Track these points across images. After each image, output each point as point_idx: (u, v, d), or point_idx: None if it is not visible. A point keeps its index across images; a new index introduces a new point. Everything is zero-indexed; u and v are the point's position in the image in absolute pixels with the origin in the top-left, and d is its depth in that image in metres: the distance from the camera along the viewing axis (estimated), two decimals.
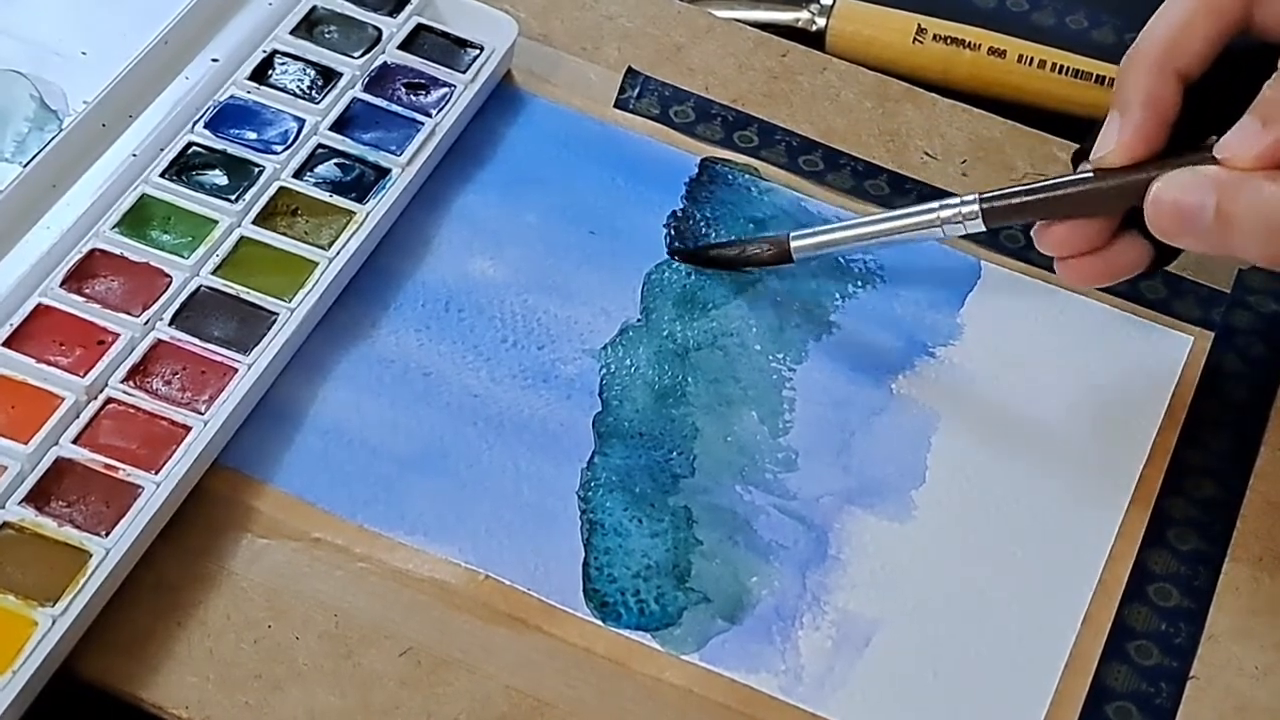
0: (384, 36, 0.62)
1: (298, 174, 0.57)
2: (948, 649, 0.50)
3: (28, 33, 0.61)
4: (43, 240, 0.55)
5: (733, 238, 0.59)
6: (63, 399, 0.51)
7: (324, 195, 0.57)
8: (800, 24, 0.69)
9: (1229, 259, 0.50)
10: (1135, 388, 0.57)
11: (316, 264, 0.55)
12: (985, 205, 0.52)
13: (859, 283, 0.59)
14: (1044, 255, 0.58)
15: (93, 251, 0.54)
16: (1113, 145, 0.49)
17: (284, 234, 0.56)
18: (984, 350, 0.58)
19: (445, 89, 0.61)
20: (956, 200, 0.53)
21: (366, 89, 0.60)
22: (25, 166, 0.56)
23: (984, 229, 0.53)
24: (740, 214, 0.60)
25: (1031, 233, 0.53)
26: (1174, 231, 0.48)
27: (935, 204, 0.54)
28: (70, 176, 0.56)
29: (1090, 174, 0.50)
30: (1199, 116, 0.49)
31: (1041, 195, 0.51)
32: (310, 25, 0.62)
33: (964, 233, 0.53)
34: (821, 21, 0.68)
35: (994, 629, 0.51)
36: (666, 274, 0.58)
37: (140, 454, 0.50)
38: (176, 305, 0.53)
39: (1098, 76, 0.66)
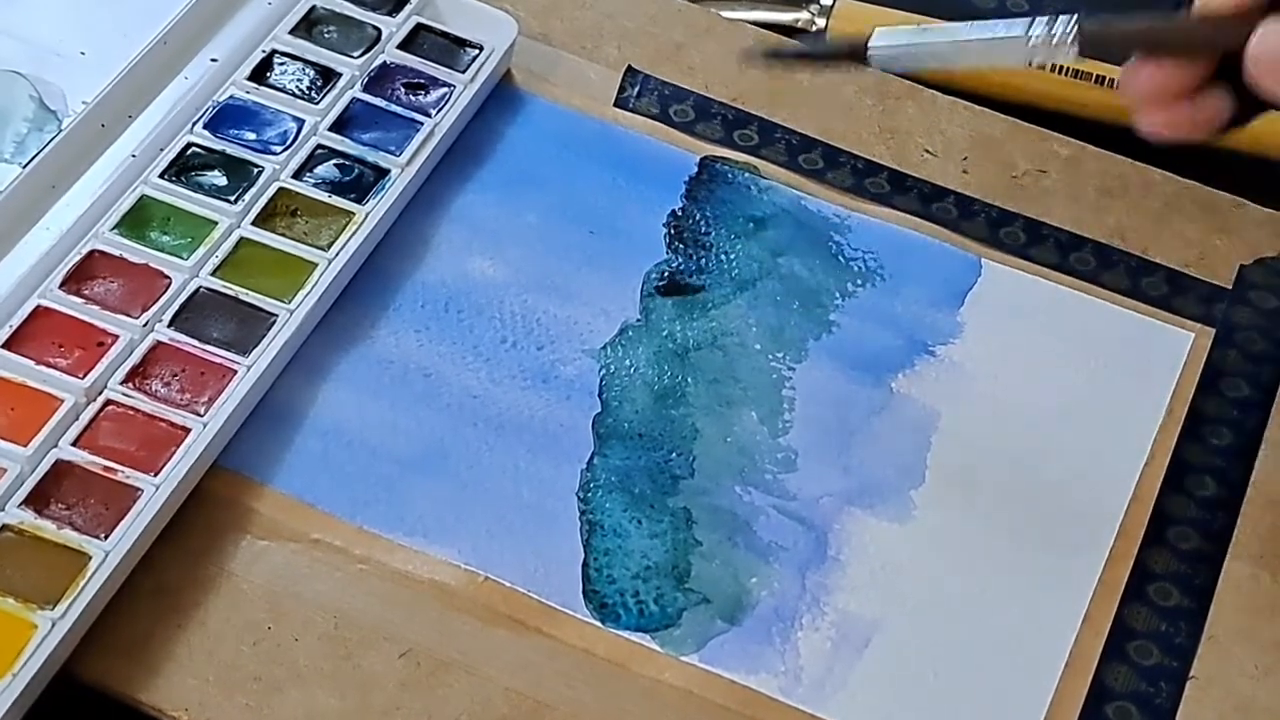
0: (383, 36, 0.62)
1: (297, 174, 0.57)
2: (948, 649, 0.50)
3: (27, 33, 0.61)
4: (42, 241, 0.55)
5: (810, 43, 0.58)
6: (62, 401, 0.51)
7: (323, 196, 0.57)
8: (800, 24, 0.68)
9: None
10: (1136, 385, 0.57)
11: (316, 265, 0.55)
12: (1086, 26, 0.48)
13: (859, 281, 0.59)
14: (1045, 254, 0.58)
15: (92, 253, 0.54)
16: None
17: (283, 235, 0.56)
18: (984, 349, 0.58)
19: (445, 89, 0.61)
20: (1052, 19, 0.48)
21: (366, 89, 0.60)
22: (24, 167, 0.56)
23: (1076, 54, 0.49)
24: (740, 212, 0.60)
25: (1120, 73, 0.49)
26: (1272, 79, 0.46)
27: (1026, 20, 0.49)
28: (69, 177, 0.56)
29: (1195, 19, 0.48)
30: None
31: (1143, 25, 0.48)
32: (309, 25, 0.62)
33: (1054, 60, 0.49)
34: (821, 21, 0.68)
35: (994, 629, 0.51)
36: (666, 274, 0.58)
37: (140, 456, 0.50)
38: (176, 307, 0.53)
39: (1098, 77, 0.66)
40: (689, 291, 0.58)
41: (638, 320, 0.57)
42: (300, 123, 0.59)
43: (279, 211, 0.56)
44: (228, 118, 0.59)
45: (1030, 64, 0.49)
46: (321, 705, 0.48)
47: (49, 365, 0.51)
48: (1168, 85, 0.49)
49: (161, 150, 0.57)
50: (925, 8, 0.68)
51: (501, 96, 0.63)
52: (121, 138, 0.58)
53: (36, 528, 0.48)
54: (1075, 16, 0.49)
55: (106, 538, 0.48)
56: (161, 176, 0.57)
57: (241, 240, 0.55)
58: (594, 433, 0.54)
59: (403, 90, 0.61)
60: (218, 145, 0.58)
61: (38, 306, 0.53)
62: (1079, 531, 0.53)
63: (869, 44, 0.51)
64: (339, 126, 0.59)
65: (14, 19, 0.61)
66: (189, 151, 0.57)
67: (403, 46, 0.62)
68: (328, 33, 0.62)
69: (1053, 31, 0.49)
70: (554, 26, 0.65)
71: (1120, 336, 0.59)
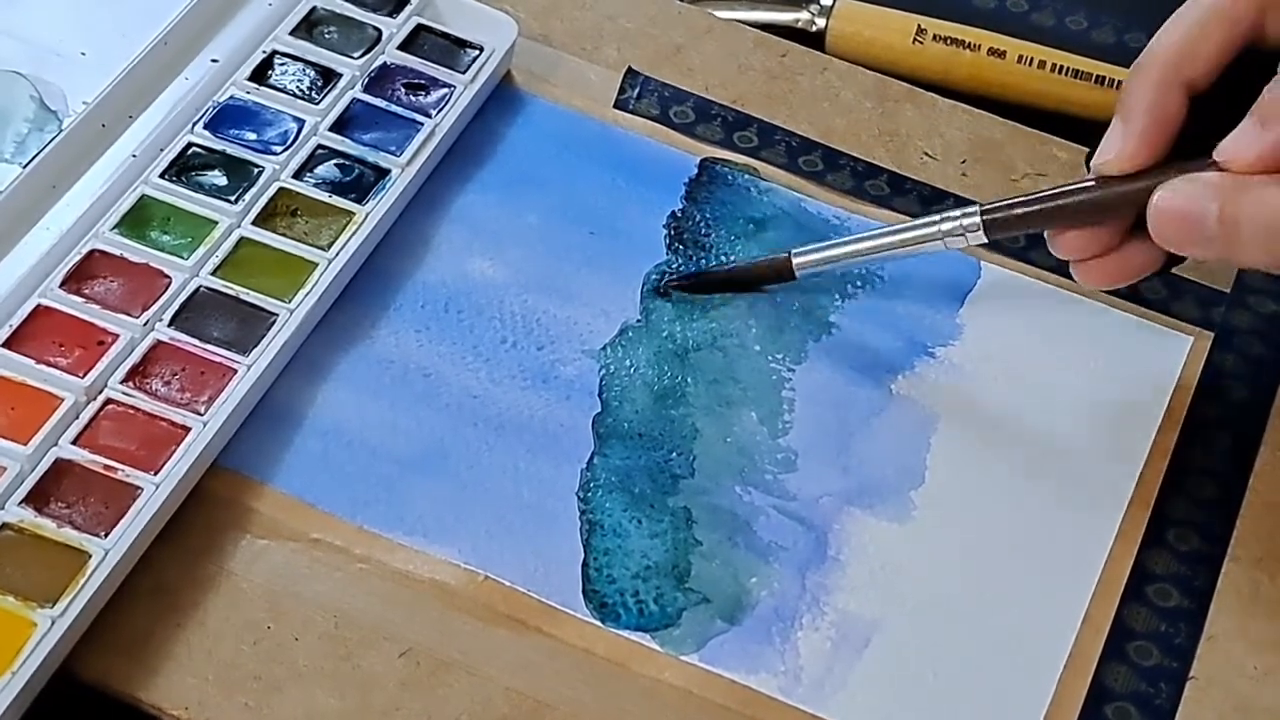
0: (384, 37, 0.62)
1: (297, 175, 0.57)
2: (947, 649, 0.50)
3: (28, 33, 0.61)
4: (42, 241, 0.55)
5: (731, 262, 0.59)
6: (62, 400, 0.51)
7: (323, 196, 0.57)
8: (800, 24, 0.69)
9: (1234, 265, 0.50)
10: (1135, 388, 0.57)
11: (316, 265, 0.55)
12: (987, 217, 0.53)
13: (858, 283, 0.59)
14: (1045, 256, 0.58)
15: (92, 252, 0.54)
16: (1113, 154, 0.49)
17: (283, 235, 0.56)
18: (984, 351, 0.58)
19: (445, 89, 0.61)
20: (958, 213, 0.53)
21: (366, 89, 0.60)
22: (25, 167, 0.56)
23: (985, 240, 0.53)
24: (740, 214, 0.60)
25: (1046, 236, 0.53)
26: (1177, 240, 0.48)
27: (936, 217, 0.54)
28: (70, 177, 0.56)
29: (1092, 182, 0.50)
30: (1205, 127, 0.49)
31: (1042, 205, 0.51)
32: (310, 26, 0.62)
33: (965, 245, 0.54)
34: (821, 22, 0.68)
35: (994, 629, 0.51)
36: (666, 275, 0.58)
37: (139, 455, 0.50)
38: (176, 306, 0.53)
39: (1097, 77, 0.66)
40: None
41: (638, 321, 0.57)
42: (300, 123, 0.59)
43: (279, 211, 0.56)
44: (228, 118, 0.59)
45: (945, 250, 0.54)
46: (321, 705, 0.48)
47: (49, 364, 0.51)
48: (1088, 247, 0.51)
49: (162, 150, 0.57)
50: (925, 8, 0.68)
51: (501, 97, 0.63)
52: (122, 138, 0.58)
53: (36, 526, 0.48)
54: (979, 207, 0.53)
55: (106, 536, 0.48)
56: (162, 176, 0.57)
57: (242, 240, 0.55)
58: (594, 433, 0.54)
59: (403, 91, 0.61)
60: (218, 145, 0.58)
61: (38, 306, 0.53)
62: (1078, 532, 0.53)
63: (793, 259, 0.56)
64: (339, 127, 0.59)
65: (14, 19, 0.61)
66: (189, 151, 0.57)
67: (403, 47, 0.62)
68: (328, 33, 0.62)
69: (960, 223, 0.53)
70: (554, 27, 0.65)
71: (1119, 340, 0.59)
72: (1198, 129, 0.49)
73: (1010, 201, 0.52)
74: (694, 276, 0.58)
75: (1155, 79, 0.49)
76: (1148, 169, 0.49)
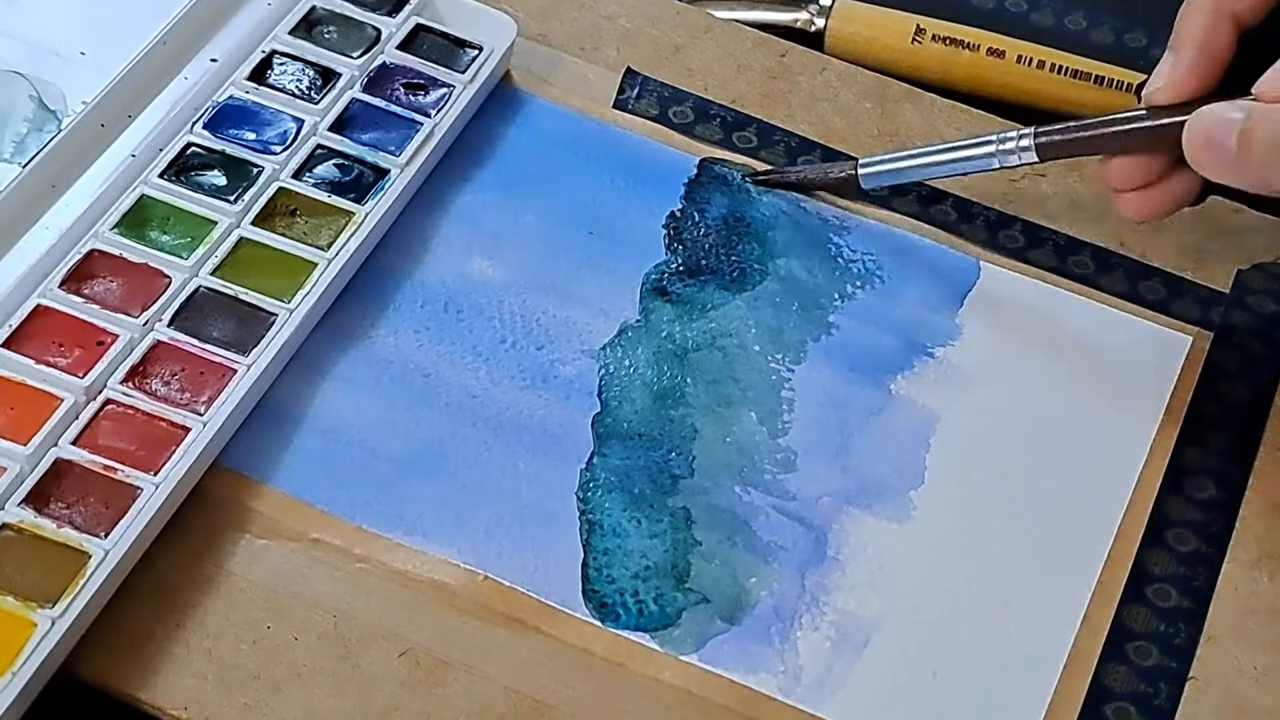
0: (383, 37, 0.62)
1: (297, 174, 0.57)
2: (947, 649, 0.50)
3: (27, 33, 0.61)
4: (42, 241, 0.55)
5: (802, 165, 0.62)
6: (62, 400, 0.50)
7: (323, 196, 0.57)
8: (799, 24, 0.69)
9: (1258, 189, 0.51)
10: (1134, 388, 0.57)
11: (315, 265, 0.55)
12: (1040, 139, 0.55)
13: (858, 283, 0.59)
14: (1045, 256, 0.58)
15: (92, 252, 0.54)
16: (1163, 82, 0.51)
17: (283, 235, 0.56)
18: (983, 351, 0.58)
19: (444, 89, 0.61)
20: (1014, 134, 0.55)
21: (365, 89, 0.60)
22: (24, 167, 0.56)
23: (1037, 160, 0.55)
24: (739, 214, 0.60)
25: (1097, 164, 0.55)
26: (1204, 160, 0.50)
27: (993, 135, 0.56)
28: (69, 177, 0.56)
29: (1143, 111, 0.52)
30: (1255, 63, 0.50)
31: (1094, 131, 0.54)
32: (309, 25, 0.62)
33: (1018, 163, 0.56)
34: (820, 22, 0.68)
35: (993, 629, 0.51)
36: (665, 275, 0.58)
37: (139, 455, 0.50)
38: (175, 306, 0.53)
39: (1097, 77, 0.66)
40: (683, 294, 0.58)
41: (637, 321, 0.57)
42: (300, 123, 0.59)
43: (279, 211, 0.56)
44: (227, 118, 0.59)
45: (998, 169, 0.57)
46: (321, 704, 0.48)
47: (49, 364, 0.51)
48: (1134, 177, 0.53)
49: (161, 150, 0.57)
50: (925, 8, 0.68)
51: (501, 97, 0.63)
52: (121, 138, 0.58)
53: (36, 526, 0.48)
54: (1034, 129, 0.55)
55: (106, 536, 0.48)
56: (161, 176, 0.57)
57: (241, 240, 0.55)
58: (593, 433, 0.54)
59: (402, 91, 0.61)
60: (217, 145, 0.58)
61: (37, 306, 0.53)
62: (1078, 532, 0.53)
63: (859, 169, 0.59)
64: (339, 127, 0.59)
65: (14, 19, 0.61)
66: (189, 151, 0.57)
67: (402, 47, 0.62)
68: (327, 33, 0.62)
69: (1016, 144, 0.55)
70: (553, 28, 0.65)
71: (1118, 340, 0.59)
72: (1248, 65, 0.50)
73: (1063, 126, 0.55)
74: (770, 177, 0.61)
75: (1206, 10, 0.51)
76: (1195, 100, 0.51)
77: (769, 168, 0.62)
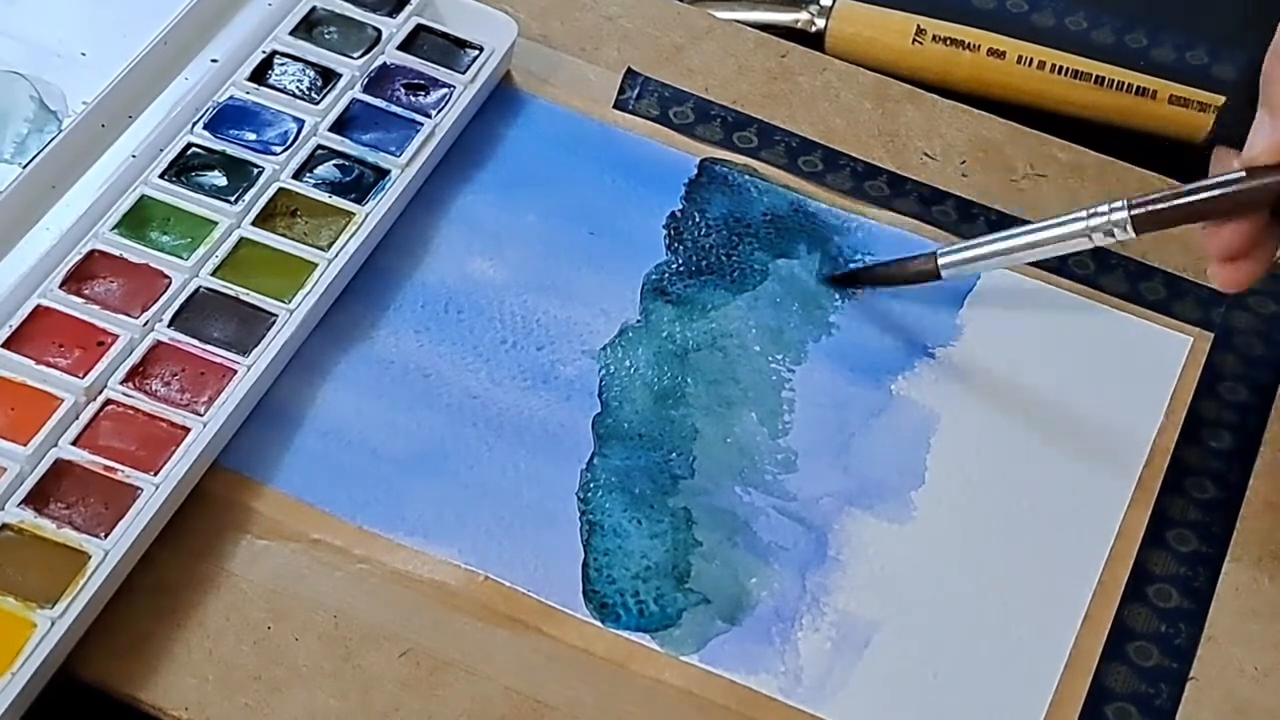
0: (383, 37, 0.62)
1: (297, 175, 0.57)
2: (948, 650, 0.50)
3: (27, 33, 0.61)
4: (42, 241, 0.55)
5: (882, 260, 0.59)
6: (62, 400, 0.50)
7: (323, 196, 0.57)
8: (800, 25, 0.69)
9: None
10: (1135, 388, 0.57)
11: (316, 265, 0.55)
12: (1135, 212, 0.52)
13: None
14: (1043, 258, 0.58)
15: (92, 253, 0.54)
16: (1266, 144, 0.49)
17: (283, 235, 0.56)
18: (983, 351, 0.58)
19: (445, 90, 0.61)
20: (1105, 208, 0.52)
21: (366, 90, 0.60)
22: (25, 167, 0.56)
23: (1134, 236, 0.52)
24: (740, 215, 0.60)
25: (1200, 233, 0.52)
26: None
27: (1084, 213, 0.53)
28: (70, 177, 0.56)
29: (1241, 174, 0.50)
30: None
31: (1193, 199, 0.51)
32: (310, 26, 0.62)
33: (1115, 240, 0.53)
34: (821, 22, 0.68)
35: (994, 629, 0.51)
36: (666, 275, 0.58)
37: (139, 455, 0.50)
38: (176, 306, 0.53)
39: (1097, 77, 0.66)
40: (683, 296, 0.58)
41: (637, 321, 0.57)
42: (300, 123, 0.59)
43: (279, 212, 0.56)
44: (228, 118, 0.59)
45: (1091, 246, 0.53)
46: (321, 705, 0.48)
47: (49, 365, 0.51)
48: (1237, 244, 0.51)
49: (161, 150, 0.57)
50: (925, 8, 0.68)
51: (501, 97, 0.63)
52: (121, 138, 0.58)
53: (36, 527, 0.48)
54: (1126, 202, 0.52)
55: (106, 537, 0.48)
56: (161, 177, 0.57)
57: (241, 240, 0.55)
58: (594, 433, 0.54)
59: (403, 91, 0.61)
60: (218, 145, 0.58)
61: (38, 306, 0.53)
62: (1078, 533, 0.53)
63: (940, 263, 0.56)
64: (339, 127, 0.59)
65: (14, 19, 0.61)
66: (189, 152, 0.57)
67: (403, 47, 0.62)
68: (328, 33, 0.62)
69: (1108, 219, 0.52)
70: (554, 28, 0.65)
71: (1119, 340, 0.59)
72: None
73: (1158, 196, 0.51)
74: (848, 276, 0.59)
75: None
76: None
77: (848, 270, 0.59)
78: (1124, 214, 0.52)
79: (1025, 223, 0.61)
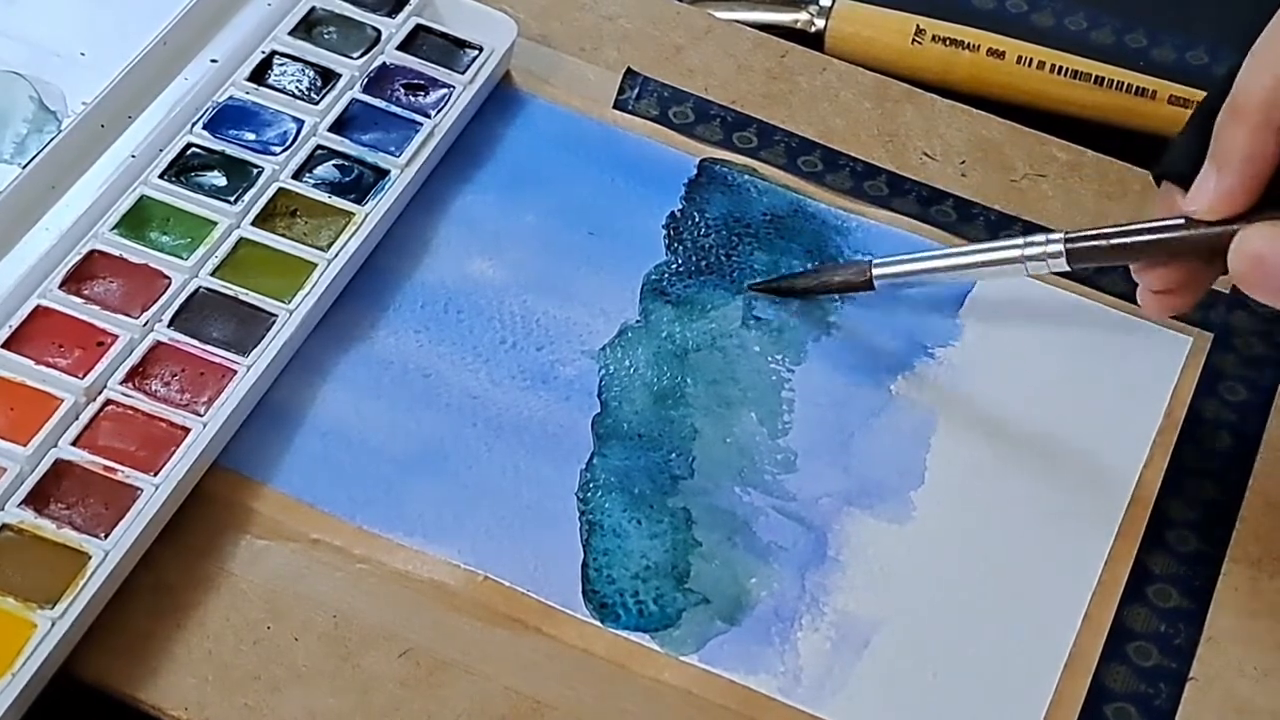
0: (383, 37, 0.62)
1: (297, 175, 0.57)
2: (947, 650, 0.50)
3: (27, 33, 0.61)
4: (41, 242, 0.55)
5: (809, 267, 0.59)
6: (62, 400, 0.50)
7: (323, 196, 0.57)
8: (799, 25, 0.69)
9: None
10: (1134, 388, 0.57)
11: (315, 265, 0.55)
12: (1071, 245, 0.52)
13: None
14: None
15: (92, 253, 0.54)
16: (1207, 201, 0.48)
17: (283, 235, 0.56)
18: (983, 351, 0.58)
19: (444, 90, 0.61)
20: (1042, 238, 0.53)
21: (365, 90, 0.60)
22: (24, 168, 0.56)
23: (1067, 268, 0.53)
24: (739, 215, 0.60)
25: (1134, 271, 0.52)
26: (1252, 280, 0.47)
27: (1020, 240, 0.53)
28: (69, 178, 0.56)
29: (1181, 220, 0.50)
30: None
31: (1129, 240, 0.51)
32: (309, 26, 0.62)
33: (1047, 270, 0.53)
34: (820, 22, 0.68)
35: (994, 630, 0.51)
36: (665, 275, 0.58)
37: (139, 455, 0.50)
38: (175, 307, 0.53)
39: (1096, 78, 0.66)
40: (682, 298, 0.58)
41: (637, 321, 0.57)
42: (300, 123, 0.59)
43: (279, 212, 0.56)
44: (227, 118, 0.59)
45: (1026, 275, 0.54)
46: (321, 704, 0.48)
47: (49, 365, 0.51)
48: (1171, 281, 0.51)
49: (161, 151, 0.57)
50: (924, 8, 0.68)
51: (501, 98, 0.63)
52: (121, 138, 0.58)
53: (36, 527, 0.48)
54: (1064, 235, 0.52)
55: (106, 537, 0.48)
56: (161, 177, 0.57)
57: (241, 240, 0.55)
58: (593, 433, 0.54)
59: (402, 91, 0.61)
60: (217, 146, 0.58)
61: (37, 306, 0.53)
62: (1078, 533, 0.53)
63: (874, 274, 0.56)
64: (339, 127, 0.59)
65: (14, 19, 0.61)
66: (189, 152, 0.57)
67: (402, 47, 0.62)
68: (327, 34, 0.62)
69: (1044, 249, 0.53)
70: (553, 28, 0.65)
71: (1119, 340, 0.59)
72: None
73: (1095, 233, 0.52)
74: (775, 281, 0.58)
75: (1251, 124, 0.48)
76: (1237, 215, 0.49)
77: (769, 280, 0.59)
78: (1060, 246, 0.52)
79: (1024, 223, 0.61)
